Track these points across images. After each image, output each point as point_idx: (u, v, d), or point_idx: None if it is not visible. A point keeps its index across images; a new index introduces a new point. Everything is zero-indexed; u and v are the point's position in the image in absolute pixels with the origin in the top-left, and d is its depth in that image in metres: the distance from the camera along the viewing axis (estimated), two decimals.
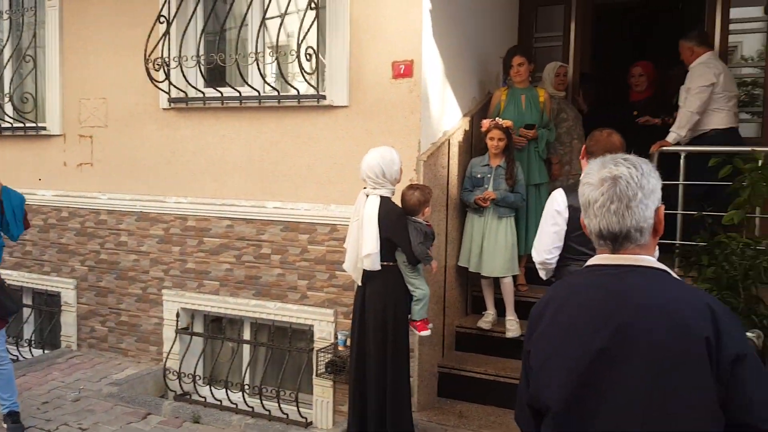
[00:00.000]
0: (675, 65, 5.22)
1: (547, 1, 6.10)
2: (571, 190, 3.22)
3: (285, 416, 4.53)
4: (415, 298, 3.70)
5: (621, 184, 1.56)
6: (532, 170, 4.77)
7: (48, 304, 5.84)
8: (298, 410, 4.46)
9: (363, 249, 3.55)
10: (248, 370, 4.91)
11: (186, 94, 4.94)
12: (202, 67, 4.76)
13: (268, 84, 4.57)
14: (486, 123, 4.51)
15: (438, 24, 4.28)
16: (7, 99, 5.86)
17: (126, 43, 5.18)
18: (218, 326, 5.11)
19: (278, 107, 4.62)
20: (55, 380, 5.07)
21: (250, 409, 4.61)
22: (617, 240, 1.59)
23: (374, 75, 4.27)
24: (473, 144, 4.91)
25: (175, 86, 4.90)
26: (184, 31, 4.79)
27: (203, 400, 4.81)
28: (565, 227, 3.22)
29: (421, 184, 3.93)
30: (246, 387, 4.80)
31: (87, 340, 5.65)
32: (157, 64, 4.84)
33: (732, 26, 5.46)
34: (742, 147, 4.54)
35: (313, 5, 4.30)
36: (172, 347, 5.08)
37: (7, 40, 5.90)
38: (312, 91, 4.45)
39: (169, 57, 4.86)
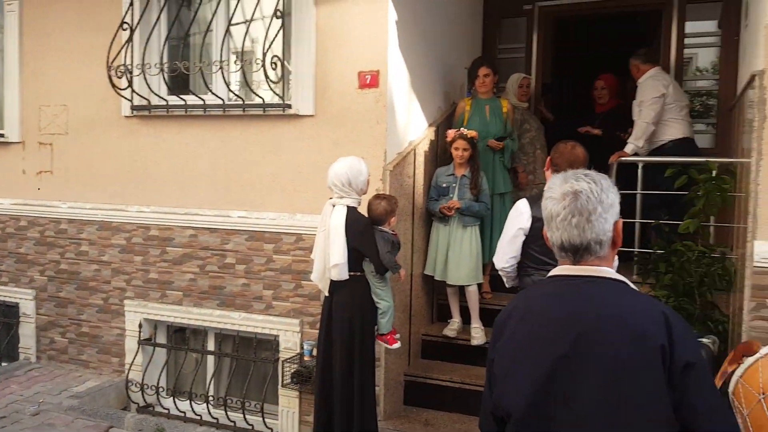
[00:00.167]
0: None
1: (510, 14, 6.22)
2: (535, 201, 3.29)
3: (250, 427, 4.50)
4: (380, 310, 3.72)
5: (582, 199, 1.61)
6: (496, 180, 4.84)
7: (5, 315, 5.69)
8: (264, 421, 4.44)
9: (330, 259, 3.55)
10: (212, 381, 4.85)
11: (149, 102, 4.88)
12: (166, 75, 4.71)
13: (233, 92, 4.55)
14: (451, 133, 4.57)
15: (404, 35, 4.32)
16: None
17: (88, 49, 5.10)
18: (182, 337, 5.04)
19: (243, 116, 4.60)
20: (13, 394, 4.93)
21: (215, 421, 4.55)
22: (578, 252, 1.64)
23: (340, 84, 4.29)
24: (438, 154, 4.97)
25: (137, 94, 4.84)
26: (148, 38, 4.74)
27: (167, 411, 4.74)
28: (523, 237, 3.30)
29: (388, 194, 3.96)
30: (210, 398, 4.74)
31: (46, 352, 5.52)
32: (120, 71, 4.77)
33: (687, 40, 5.65)
34: (698, 156, 4.70)
35: (278, 14, 4.30)
36: (134, 358, 4.99)
37: None
38: (277, 100, 4.45)
39: (131, 64, 4.80)
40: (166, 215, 4.90)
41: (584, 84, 5.86)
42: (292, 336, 4.46)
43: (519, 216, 3.35)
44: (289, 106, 4.42)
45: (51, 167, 5.40)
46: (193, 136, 4.80)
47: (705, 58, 5.90)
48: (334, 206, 3.61)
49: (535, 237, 3.24)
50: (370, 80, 4.22)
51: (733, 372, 2.35)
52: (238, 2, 4.47)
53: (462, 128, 4.61)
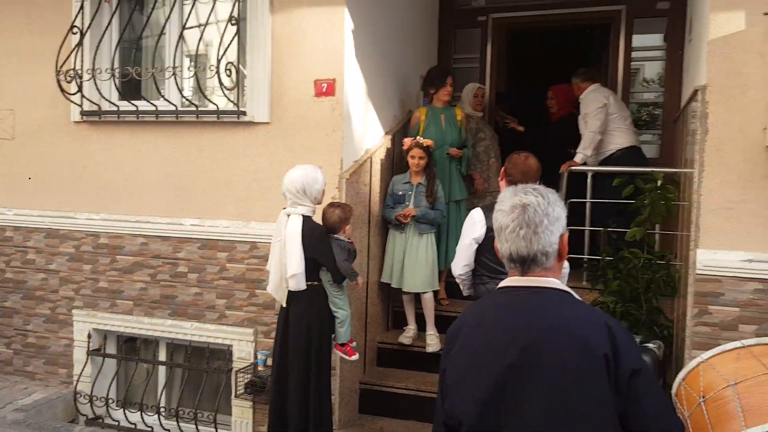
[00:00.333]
0: None
1: (464, 24, 6.31)
2: (489, 210, 3.34)
3: None
4: (338, 319, 3.72)
5: (529, 212, 1.67)
6: (453, 187, 4.91)
7: None
8: None
9: (287, 269, 3.53)
10: (164, 392, 4.76)
11: (99, 107, 4.78)
12: (117, 80, 4.63)
13: (186, 98, 4.50)
14: (407, 141, 4.61)
15: (360, 44, 4.34)
16: None
17: (36, 52, 4.95)
18: (132, 347, 4.93)
19: (196, 122, 4.54)
20: None
21: None
22: (525, 263, 1.69)
23: (296, 92, 4.28)
24: (395, 162, 5.00)
25: (87, 99, 4.74)
26: (99, 42, 4.64)
27: (116, 424, 4.64)
28: (476, 246, 3.36)
29: (342, 202, 3.96)
30: (162, 409, 4.65)
31: None
32: (69, 76, 4.66)
33: (634, 53, 5.85)
34: (645, 164, 4.89)
35: (233, 21, 4.26)
36: (83, 369, 4.87)
37: None
38: (232, 107, 4.41)
39: (82, 69, 4.69)
40: (117, 223, 4.80)
41: (542, 94, 6.02)
42: (245, 346, 4.41)
43: (473, 225, 3.41)
44: (244, 113, 4.38)
45: None
46: (144, 143, 4.71)
47: (651, 70, 6.10)
48: (288, 216, 3.59)
49: (488, 246, 3.29)
50: (326, 88, 4.22)
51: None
52: (192, 7, 4.41)
53: (418, 137, 4.65)
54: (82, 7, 4.69)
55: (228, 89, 4.32)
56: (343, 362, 4.15)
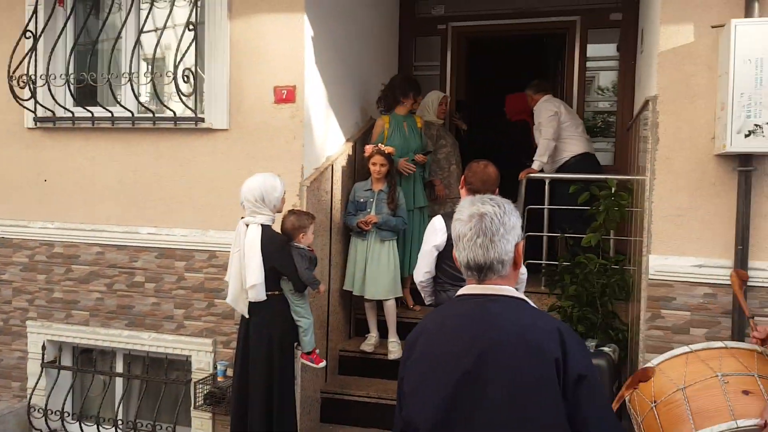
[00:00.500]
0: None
1: (425, 32, 6.37)
2: (450, 217, 3.38)
3: None
4: (302, 328, 3.70)
5: (486, 221, 1.71)
6: (417, 194, 4.94)
7: None
8: None
9: (247, 280, 3.49)
10: (122, 404, 4.67)
11: (54, 114, 4.67)
12: (72, 86, 4.53)
13: (143, 105, 4.43)
14: (369, 148, 4.62)
15: (320, 50, 4.34)
16: None
17: None
18: (88, 358, 4.81)
19: (154, 129, 4.47)
20: None
21: None
22: (482, 271, 1.73)
23: (256, 99, 4.25)
24: (356, 169, 5.01)
25: (41, 105, 4.63)
26: (53, 47, 4.53)
27: None
28: (436, 253, 3.40)
29: (300, 209, 3.94)
30: (119, 422, 4.56)
31: None
32: (23, 82, 4.54)
33: (589, 63, 5.99)
34: (599, 170, 5.02)
35: (191, 26, 4.22)
36: (37, 382, 4.73)
37: None
38: (190, 113, 4.36)
39: (35, 74, 4.58)
40: (72, 231, 4.69)
41: (500, 101, 6.15)
42: (204, 356, 4.35)
43: (434, 233, 3.44)
44: (202, 120, 4.33)
45: None
46: (100, 150, 4.62)
47: (606, 79, 6.26)
48: (247, 225, 3.56)
49: (449, 253, 3.32)
50: (286, 95, 4.21)
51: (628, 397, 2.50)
52: (149, 11, 4.35)
53: (379, 144, 4.67)
54: (35, 11, 4.58)
55: (185, 95, 4.27)
56: (304, 371, 4.13)
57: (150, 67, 4.38)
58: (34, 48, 4.57)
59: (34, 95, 4.61)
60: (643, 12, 4.75)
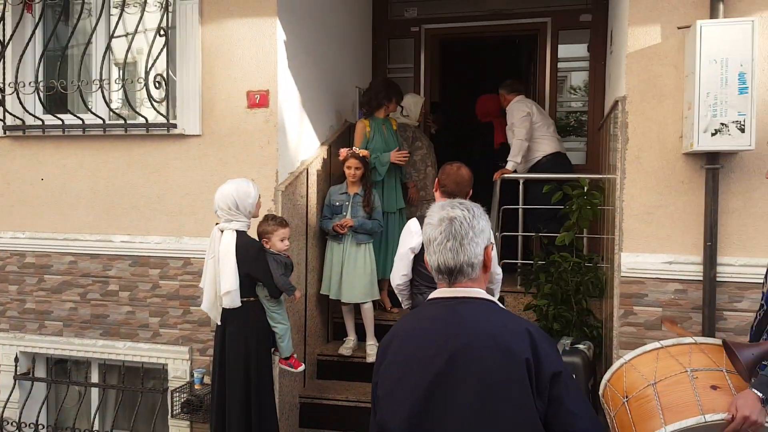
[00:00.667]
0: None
1: (398, 35, 6.40)
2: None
3: None
4: (278, 334, 3.68)
5: (456, 224, 1.74)
6: (397, 196, 4.97)
7: None
8: None
9: (222, 287, 3.46)
10: (98, 415, 4.61)
11: (23, 122, 4.61)
12: (41, 93, 4.47)
13: (114, 112, 4.38)
14: (343, 152, 4.62)
15: (293, 54, 4.33)
16: None
17: None
18: (63, 369, 4.75)
19: (125, 136, 4.42)
20: None
21: None
22: (453, 274, 1.75)
23: (228, 104, 4.23)
24: (331, 172, 5.01)
25: (10, 113, 4.55)
26: (21, 55, 4.47)
27: None
28: (412, 256, 3.41)
29: (275, 214, 3.92)
30: None
31: None
32: None
33: (561, 64, 6.07)
34: (570, 170, 5.09)
35: (162, 32, 4.19)
36: (10, 395, 4.66)
37: None
38: (161, 120, 4.32)
39: (4, 82, 4.51)
40: (44, 241, 4.62)
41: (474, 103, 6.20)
42: (181, 364, 4.32)
43: (410, 235, 3.45)
44: (175, 126, 4.30)
45: None
46: (71, 157, 4.56)
47: (578, 79, 6.34)
48: (222, 231, 3.53)
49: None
50: (259, 100, 4.19)
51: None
52: (119, 17, 4.31)
53: (354, 147, 4.68)
54: (2, 18, 4.51)
55: (157, 101, 4.24)
56: (282, 376, 4.12)
57: (121, 73, 4.34)
58: (2, 55, 4.51)
59: (2, 103, 4.54)
60: (612, 13, 4.81)
